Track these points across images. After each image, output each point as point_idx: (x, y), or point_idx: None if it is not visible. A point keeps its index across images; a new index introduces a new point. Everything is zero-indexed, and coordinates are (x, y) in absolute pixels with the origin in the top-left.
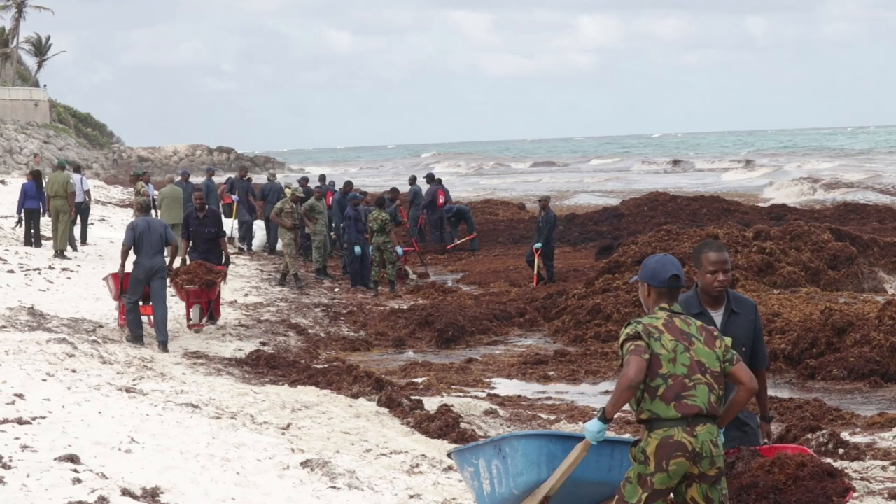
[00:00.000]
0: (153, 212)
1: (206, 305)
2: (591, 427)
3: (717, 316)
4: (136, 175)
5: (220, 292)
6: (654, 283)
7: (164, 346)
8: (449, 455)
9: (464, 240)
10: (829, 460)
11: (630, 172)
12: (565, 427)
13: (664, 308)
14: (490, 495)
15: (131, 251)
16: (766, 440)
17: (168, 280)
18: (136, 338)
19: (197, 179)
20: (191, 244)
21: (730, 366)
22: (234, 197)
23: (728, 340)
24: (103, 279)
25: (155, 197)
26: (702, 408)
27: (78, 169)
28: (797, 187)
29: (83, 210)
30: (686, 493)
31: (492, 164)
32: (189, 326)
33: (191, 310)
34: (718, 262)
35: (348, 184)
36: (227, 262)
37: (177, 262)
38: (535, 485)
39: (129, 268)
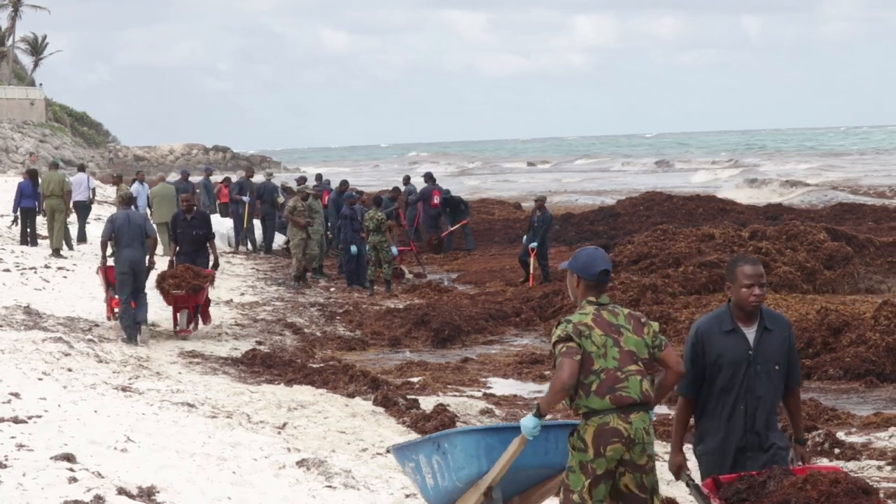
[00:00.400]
0: (146, 210)
1: (194, 310)
2: (528, 423)
3: (750, 333)
4: (118, 176)
5: (208, 297)
6: (585, 275)
7: (139, 327)
8: (388, 451)
9: (457, 225)
10: (824, 460)
11: (608, 172)
12: None
13: (592, 301)
14: (434, 488)
15: (110, 244)
16: (799, 462)
17: (154, 284)
18: (131, 337)
19: (194, 179)
20: (178, 247)
21: (658, 351)
22: (246, 198)
23: (655, 326)
24: (96, 272)
25: (149, 195)
26: (635, 398)
27: (82, 168)
28: (754, 190)
29: (85, 208)
30: (620, 482)
31: (475, 165)
32: (177, 332)
33: (178, 315)
34: (754, 276)
35: (344, 183)
36: (216, 266)
37: (163, 262)
38: (478, 477)
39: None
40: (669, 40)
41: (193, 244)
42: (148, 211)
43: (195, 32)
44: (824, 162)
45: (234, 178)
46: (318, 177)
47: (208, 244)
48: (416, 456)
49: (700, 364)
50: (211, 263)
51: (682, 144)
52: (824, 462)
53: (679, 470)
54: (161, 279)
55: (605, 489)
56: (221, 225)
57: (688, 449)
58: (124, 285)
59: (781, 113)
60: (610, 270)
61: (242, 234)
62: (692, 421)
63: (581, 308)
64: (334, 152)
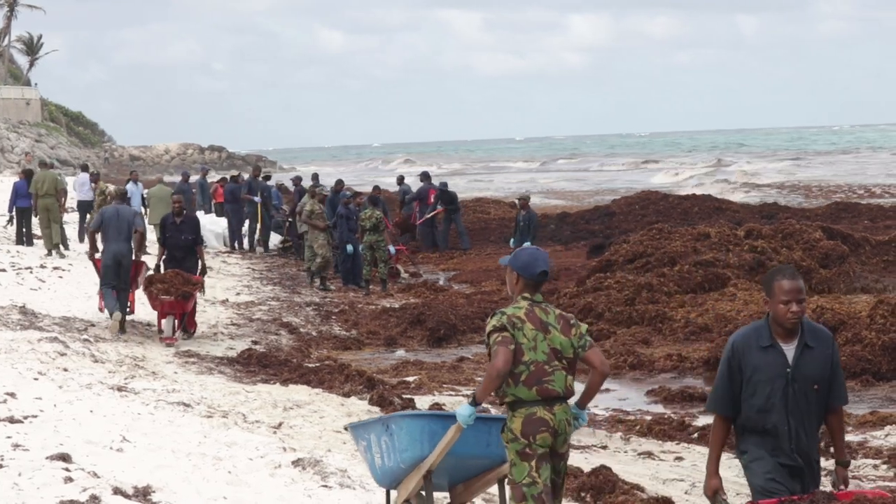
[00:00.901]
0: (143, 209)
1: (181, 318)
2: (462, 411)
3: (790, 350)
4: (95, 174)
5: (195, 304)
6: (525, 274)
7: (121, 315)
8: (345, 428)
9: (436, 212)
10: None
11: (587, 172)
12: None
13: (526, 297)
14: (381, 468)
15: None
16: (842, 486)
17: (142, 287)
18: (112, 309)
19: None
20: (165, 251)
21: (583, 351)
22: (257, 199)
23: (583, 328)
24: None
25: (144, 195)
26: (559, 391)
27: (86, 168)
28: (707, 188)
29: (89, 207)
30: None
31: (456, 166)
32: (161, 339)
33: (163, 321)
34: (792, 291)
35: (339, 182)
36: (203, 272)
37: (148, 261)
38: (419, 460)
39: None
40: (664, 40)
41: (182, 249)
42: (143, 211)
43: (191, 32)
44: (800, 161)
45: (228, 177)
46: (315, 176)
47: (196, 250)
48: (368, 435)
49: (736, 380)
50: (199, 270)
51: (673, 144)
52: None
53: (715, 494)
54: (149, 283)
55: (548, 469)
56: (217, 224)
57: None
58: (107, 277)
59: (777, 112)
60: (548, 272)
61: (258, 234)
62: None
63: (516, 303)
64: (325, 151)
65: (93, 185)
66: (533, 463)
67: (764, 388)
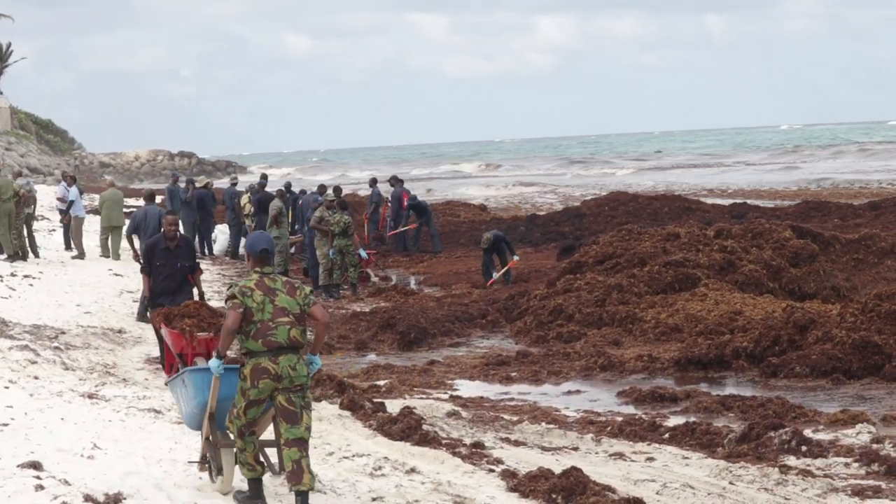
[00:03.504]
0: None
1: (209, 358)
2: (212, 364)
3: None
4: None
5: None
6: (251, 252)
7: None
8: (166, 384)
9: (407, 227)
10: (791, 458)
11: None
12: (528, 427)
13: (257, 271)
14: (187, 413)
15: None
16: None
17: (160, 327)
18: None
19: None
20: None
21: (308, 308)
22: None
23: (307, 289)
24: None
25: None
26: (282, 342)
27: (74, 180)
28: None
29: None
30: (276, 400)
31: (413, 171)
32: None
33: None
34: None
35: (320, 188)
36: (202, 300)
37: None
38: (205, 404)
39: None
40: (631, 40)
41: (177, 279)
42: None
43: (157, 38)
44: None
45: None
46: (288, 185)
47: (192, 278)
48: (176, 389)
49: None
50: (196, 298)
51: (631, 145)
52: (792, 459)
53: None
54: (169, 319)
55: (256, 412)
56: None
57: None
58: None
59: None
60: (269, 250)
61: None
62: None
63: (249, 276)
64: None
65: (65, 185)
66: (244, 404)
67: None
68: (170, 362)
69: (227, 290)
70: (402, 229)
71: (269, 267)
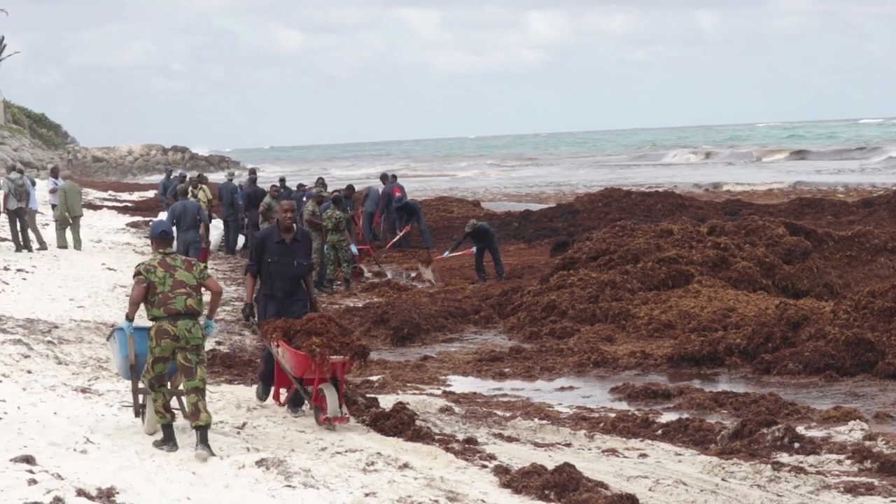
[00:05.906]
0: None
1: (344, 384)
2: (124, 325)
3: None
4: (54, 168)
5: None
6: (154, 235)
7: None
8: (107, 339)
9: (400, 234)
10: (784, 454)
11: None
12: (521, 423)
13: (161, 252)
14: (119, 364)
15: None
16: None
17: (273, 346)
18: None
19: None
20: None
21: (203, 280)
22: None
23: (202, 265)
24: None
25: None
26: (180, 309)
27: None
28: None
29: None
30: (176, 358)
31: (398, 166)
32: (322, 420)
33: (324, 393)
34: None
35: (302, 185)
36: (316, 309)
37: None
38: (127, 357)
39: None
40: (622, 36)
41: (292, 281)
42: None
43: (147, 33)
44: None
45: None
46: (282, 180)
47: (307, 280)
48: (112, 343)
49: None
50: (310, 305)
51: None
52: (785, 456)
53: None
54: (289, 336)
55: (163, 368)
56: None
57: None
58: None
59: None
60: (168, 232)
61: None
62: None
63: (153, 257)
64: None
65: (54, 179)
66: (152, 359)
67: None
68: (284, 385)
69: (136, 267)
70: (400, 235)
71: (170, 248)
